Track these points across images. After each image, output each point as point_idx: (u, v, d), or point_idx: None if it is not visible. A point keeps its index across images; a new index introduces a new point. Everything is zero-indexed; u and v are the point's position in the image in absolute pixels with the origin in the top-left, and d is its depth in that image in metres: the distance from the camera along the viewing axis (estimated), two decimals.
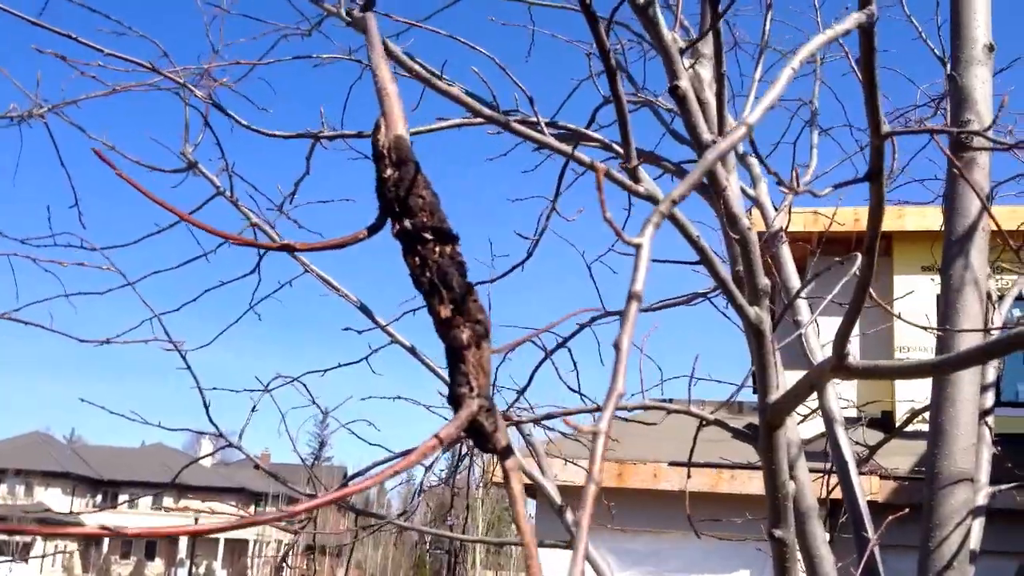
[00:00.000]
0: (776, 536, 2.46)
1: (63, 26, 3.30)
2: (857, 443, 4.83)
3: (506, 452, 1.18)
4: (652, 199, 1.98)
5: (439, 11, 3.56)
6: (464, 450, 4.57)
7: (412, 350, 3.62)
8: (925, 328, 2.91)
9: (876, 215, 1.82)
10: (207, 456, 18.16)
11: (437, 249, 1.20)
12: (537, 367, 3.60)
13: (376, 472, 1.07)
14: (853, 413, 8.88)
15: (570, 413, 2.82)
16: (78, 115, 3.68)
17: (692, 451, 3.18)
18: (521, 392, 3.74)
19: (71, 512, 69.70)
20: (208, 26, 3.68)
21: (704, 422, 2.63)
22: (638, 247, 1.32)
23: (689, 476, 3.36)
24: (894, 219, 12.80)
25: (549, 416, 2.82)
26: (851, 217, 13.90)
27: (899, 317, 2.72)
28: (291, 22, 3.69)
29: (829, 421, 3.61)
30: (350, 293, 3.69)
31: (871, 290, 2.19)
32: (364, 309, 3.65)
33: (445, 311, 1.18)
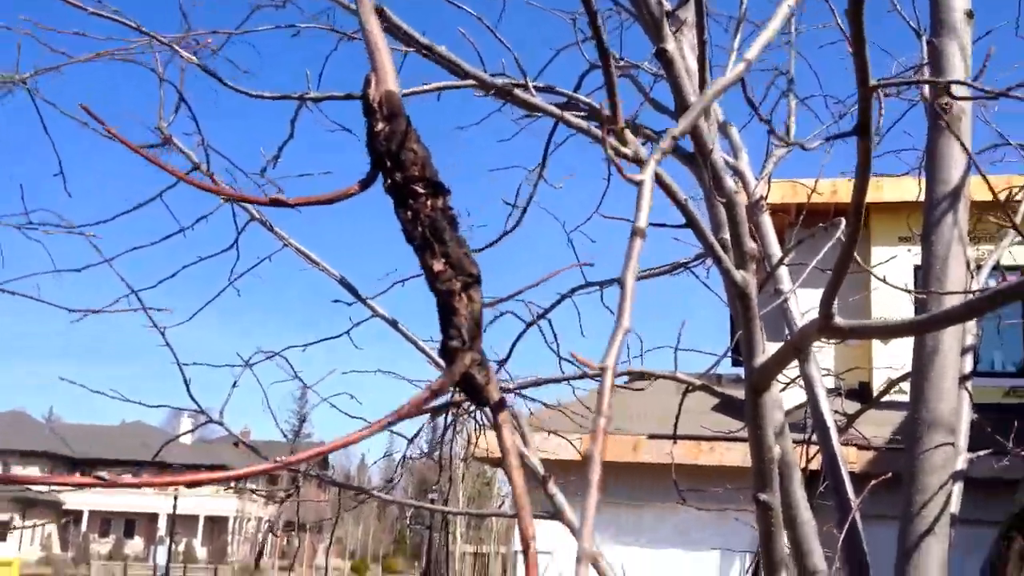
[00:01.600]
0: (762, 500, 2.47)
1: None
2: (836, 411, 4.87)
3: (499, 405, 1.17)
4: (638, 160, 1.97)
5: None
6: (447, 422, 4.56)
7: (394, 323, 3.60)
8: (911, 292, 2.93)
9: (864, 171, 1.81)
10: (187, 433, 18.04)
11: (429, 203, 1.19)
12: (518, 337, 3.59)
13: (363, 427, 1.05)
14: (831, 383, 8.94)
15: (558, 380, 2.81)
16: (50, 90, 3.63)
17: (678, 418, 3.19)
18: (502, 363, 3.73)
19: (50, 490, 69.40)
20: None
21: (690, 388, 2.63)
22: (640, 183, 1.32)
23: (675, 442, 3.37)
24: (872, 191, 12.86)
25: (537, 383, 2.81)
26: (829, 188, 13.97)
27: (884, 281, 2.73)
28: None
29: (810, 386, 3.63)
30: (330, 267, 3.66)
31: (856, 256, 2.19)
32: (345, 283, 3.62)
33: (438, 264, 1.17)
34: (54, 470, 71.37)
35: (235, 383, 3.92)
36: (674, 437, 3.62)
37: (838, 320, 2.05)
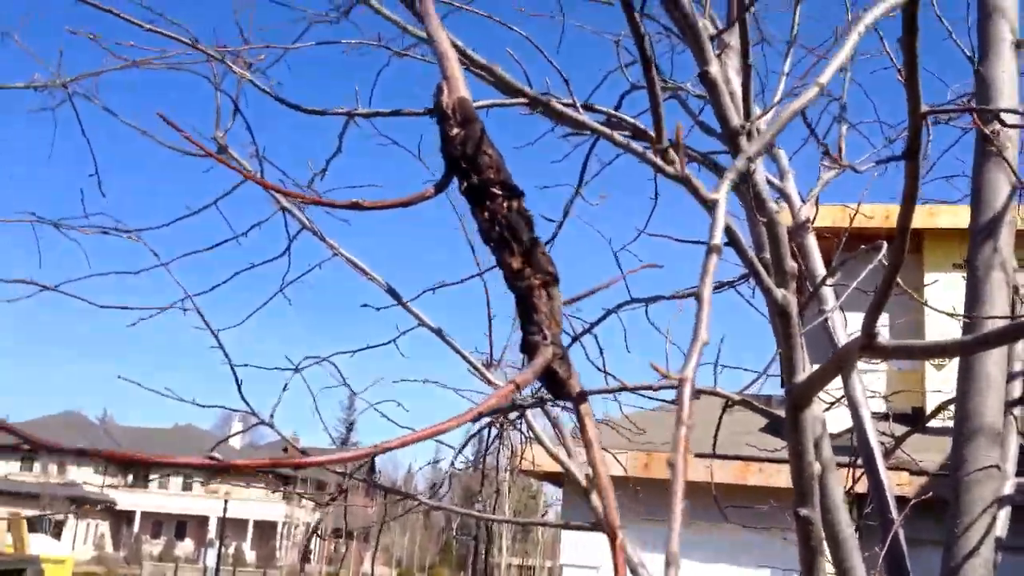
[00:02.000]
0: (802, 515, 2.50)
1: (90, 9, 3.36)
2: (884, 434, 4.85)
3: (581, 397, 1.23)
4: (682, 180, 2.02)
5: None
6: (489, 433, 4.62)
7: (439, 332, 3.66)
8: (951, 315, 2.94)
9: (911, 193, 1.85)
10: (238, 434, 18.36)
11: (506, 204, 1.24)
12: (566, 349, 3.64)
13: (450, 418, 1.11)
14: (882, 407, 8.88)
15: (609, 391, 2.87)
16: (107, 100, 3.75)
17: (717, 430, 3.22)
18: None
19: (102, 490, 70.70)
20: (237, 13, 3.74)
21: (730, 403, 2.67)
22: (715, 203, 1.38)
23: (715, 452, 3.39)
24: (925, 216, 12.75)
25: (621, 389, 2.86)
26: (882, 213, 13.84)
27: (926, 304, 2.75)
28: (319, 9, 3.75)
29: (855, 407, 3.64)
30: (378, 276, 3.74)
31: (899, 279, 2.23)
32: (392, 292, 3.69)
33: (516, 262, 1.23)
34: (107, 471, 72.72)
35: (285, 386, 4.01)
36: (713, 455, 3.64)
37: (880, 339, 2.08)
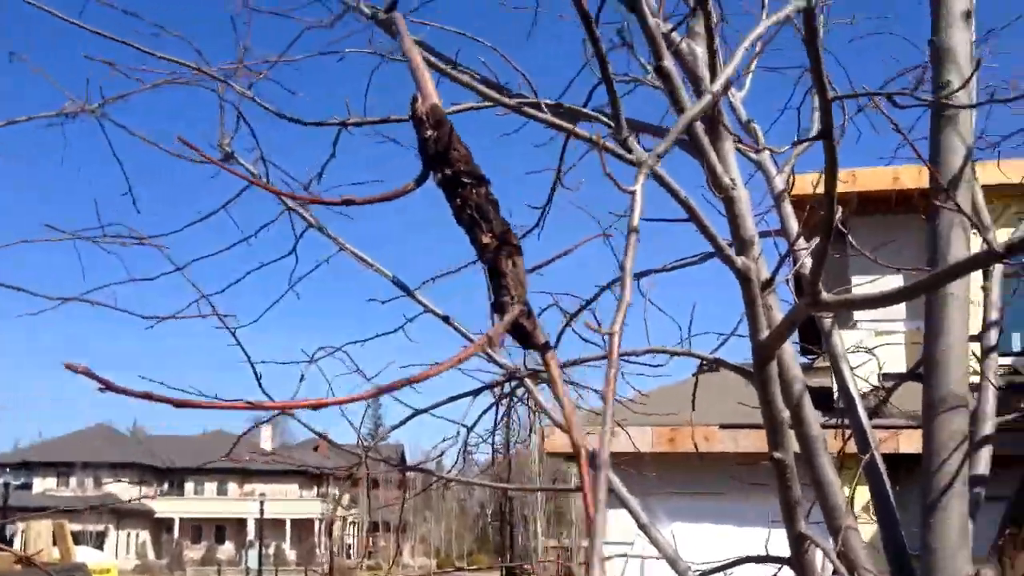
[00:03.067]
0: (776, 457, 2.78)
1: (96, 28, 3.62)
2: (875, 386, 5.12)
3: (545, 347, 1.52)
4: (638, 164, 2.30)
5: None
6: (497, 411, 4.84)
7: (446, 319, 3.92)
8: (912, 269, 3.20)
9: (831, 167, 2.12)
10: (264, 424, 18.63)
11: (474, 191, 1.55)
12: (562, 330, 3.87)
13: (431, 365, 1.38)
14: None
15: (596, 358, 3.15)
16: (117, 115, 4.01)
17: (695, 395, 3.49)
18: (546, 349, 4.04)
19: (139, 500, 71.56)
20: (234, 21, 3.97)
21: (704, 362, 2.95)
22: (632, 193, 1.69)
23: (691, 426, 3.66)
24: (915, 175, 12.91)
25: (602, 357, 3.12)
26: (850, 177, 13.99)
27: (873, 259, 3.02)
28: (313, 16, 4.01)
29: (835, 360, 3.91)
30: (384, 268, 3.98)
31: (846, 237, 2.49)
32: (398, 282, 3.93)
33: (486, 238, 1.53)
34: (143, 481, 73.60)
35: (302, 377, 4.23)
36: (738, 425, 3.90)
37: (824, 296, 2.37)
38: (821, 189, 3.91)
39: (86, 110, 3.54)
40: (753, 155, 3.97)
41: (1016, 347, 10.13)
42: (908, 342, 11.25)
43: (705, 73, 3.06)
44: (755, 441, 12.60)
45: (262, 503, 61.08)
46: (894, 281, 8.38)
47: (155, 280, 3.81)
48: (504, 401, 3.84)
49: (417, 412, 3.20)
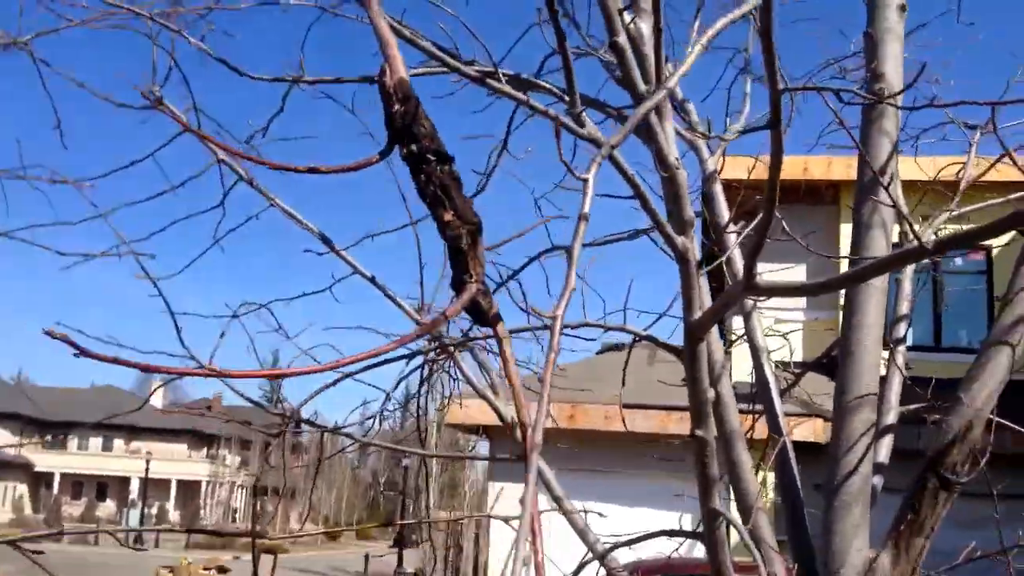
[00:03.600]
0: (698, 435, 2.83)
1: None
2: (785, 370, 5.25)
3: (500, 325, 1.52)
4: (594, 141, 2.30)
5: None
6: (422, 376, 4.86)
7: (372, 279, 3.88)
8: (832, 257, 3.29)
9: (777, 155, 2.16)
10: (158, 388, 18.25)
11: (439, 168, 1.54)
12: (493, 291, 3.90)
13: (387, 343, 1.38)
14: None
15: (528, 329, 3.16)
16: (46, 51, 3.86)
17: (625, 370, 3.54)
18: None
19: (18, 451, 69.29)
20: None
21: (636, 338, 2.98)
22: (585, 181, 1.70)
23: (621, 408, 3.72)
24: (843, 169, 13.29)
25: (543, 328, 3.14)
26: (800, 165, 14.33)
27: (808, 248, 3.09)
28: None
29: (755, 348, 4.00)
30: (312, 224, 3.92)
31: (786, 226, 2.55)
32: (325, 239, 3.87)
33: (447, 215, 1.52)
34: (24, 432, 71.25)
35: (223, 333, 4.16)
36: (617, 401, 3.96)
37: (758, 280, 2.42)
38: (757, 175, 3.99)
39: (16, 43, 3.38)
40: (687, 135, 4.01)
41: (910, 340, 10.52)
42: (806, 331, 11.61)
43: (650, 52, 3.08)
44: (655, 422, 12.86)
45: (148, 462, 59.82)
46: (798, 271, 8.64)
47: (77, 225, 3.67)
48: (428, 367, 3.82)
49: (345, 376, 3.16)
